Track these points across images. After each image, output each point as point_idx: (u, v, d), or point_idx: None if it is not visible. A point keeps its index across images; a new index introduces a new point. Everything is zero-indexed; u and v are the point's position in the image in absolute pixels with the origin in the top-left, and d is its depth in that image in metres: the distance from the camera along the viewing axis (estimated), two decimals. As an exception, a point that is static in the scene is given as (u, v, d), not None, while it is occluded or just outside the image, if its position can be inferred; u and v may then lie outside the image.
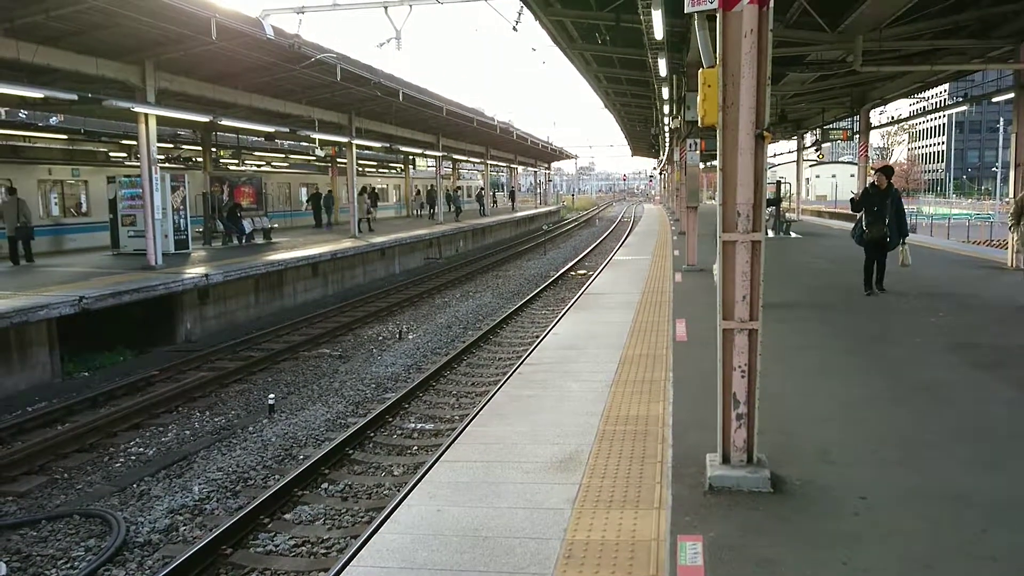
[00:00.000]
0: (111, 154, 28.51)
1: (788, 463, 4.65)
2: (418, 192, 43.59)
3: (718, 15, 4.15)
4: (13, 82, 13.41)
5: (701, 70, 4.33)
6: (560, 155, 63.77)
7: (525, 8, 14.58)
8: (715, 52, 4.21)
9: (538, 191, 72.79)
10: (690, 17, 4.46)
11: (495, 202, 51.05)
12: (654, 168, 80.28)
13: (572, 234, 44.71)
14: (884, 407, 5.95)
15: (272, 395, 10.22)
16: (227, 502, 7.05)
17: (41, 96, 14.42)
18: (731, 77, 4.13)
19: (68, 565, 5.97)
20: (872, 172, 12.02)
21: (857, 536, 3.81)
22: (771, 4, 4.08)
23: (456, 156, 40.49)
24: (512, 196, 58.50)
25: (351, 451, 8.17)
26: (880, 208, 10.74)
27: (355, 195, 25.94)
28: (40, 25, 12.14)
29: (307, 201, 32.40)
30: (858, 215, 11.12)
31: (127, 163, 26.41)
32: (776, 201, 12.43)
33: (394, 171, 46.42)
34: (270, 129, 21.62)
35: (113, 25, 12.68)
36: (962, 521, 3.94)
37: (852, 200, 11.55)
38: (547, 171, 73.57)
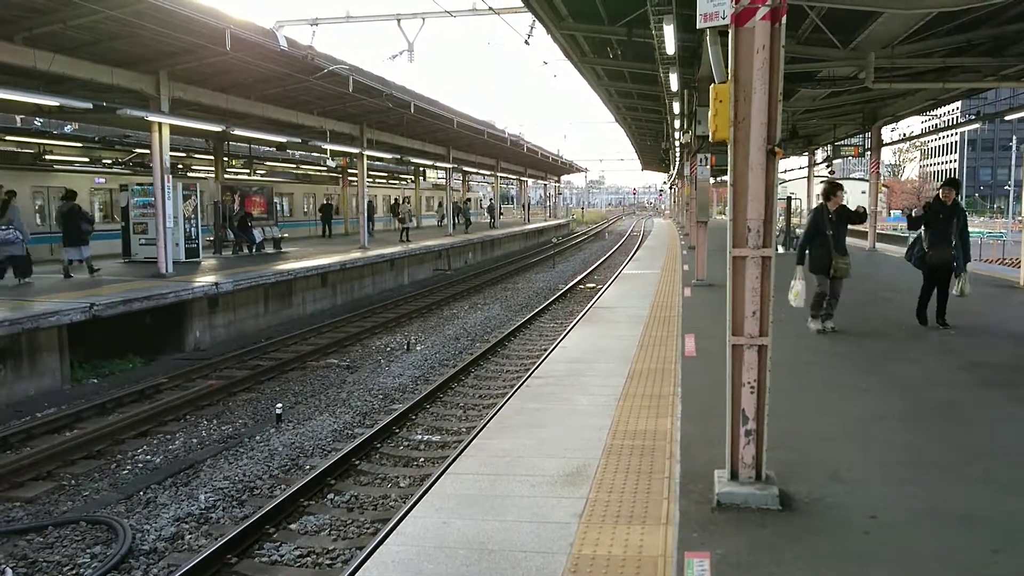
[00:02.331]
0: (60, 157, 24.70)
1: (797, 480, 4.61)
2: (440, 204, 43.89)
3: (730, 31, 4.15)
4: (30, 90, 13.55)
5: (713, 85, 4.33)
6: (570, 168, 63.84)
7: (537, 22, 14.66)
8: (727, 67, 4.21)
9: (548, 204, 72.94)
10: (702, 33, 4.46)
11: (501, 213, 51.22)
12: (664, 182, 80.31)
13: (581, 247, 44.73)
14: (894, 425, 5.90)
15: (280, 404, 10.22)
16: (233, 511, 7.05)
17: (57, 104, 14.57)
18: (743, 92, 4.13)
19: (74, 572, 5.96)
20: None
21: (867, 555, 3.77)
22: (783, 20, 4.08)
23: (466, 168, 40.63)
24: (527, 208, 58.69)
25: (357, 462, 8.16)
26: (946, 227, 9.37)
27: (364, 205, 26.06)
28: (57, 34, 12.29)
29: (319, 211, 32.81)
30: (916, 234, 9.83)
31: (58, 168, 22.82)
32: (858, 217, 10.14)
33: (400, 182, 46.67)
34: (282, 139, 21.75)
35: (129, 35, 12.82)
36: (973, 541, 3.89)
37: (910, 217, 9.95)
38: (557, 184, 73.68)
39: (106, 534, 6.55)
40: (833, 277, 9.36)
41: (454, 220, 36.66)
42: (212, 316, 15.02)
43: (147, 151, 26.86)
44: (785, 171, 46.16)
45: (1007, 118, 19.77)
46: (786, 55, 4.09)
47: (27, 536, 6.57)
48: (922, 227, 9.59)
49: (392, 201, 38.60)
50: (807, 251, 9.34)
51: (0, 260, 13.93)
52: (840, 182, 10.36)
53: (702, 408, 6.26)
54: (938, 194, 9.65)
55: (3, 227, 13.82)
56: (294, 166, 37.46)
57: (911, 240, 10.09)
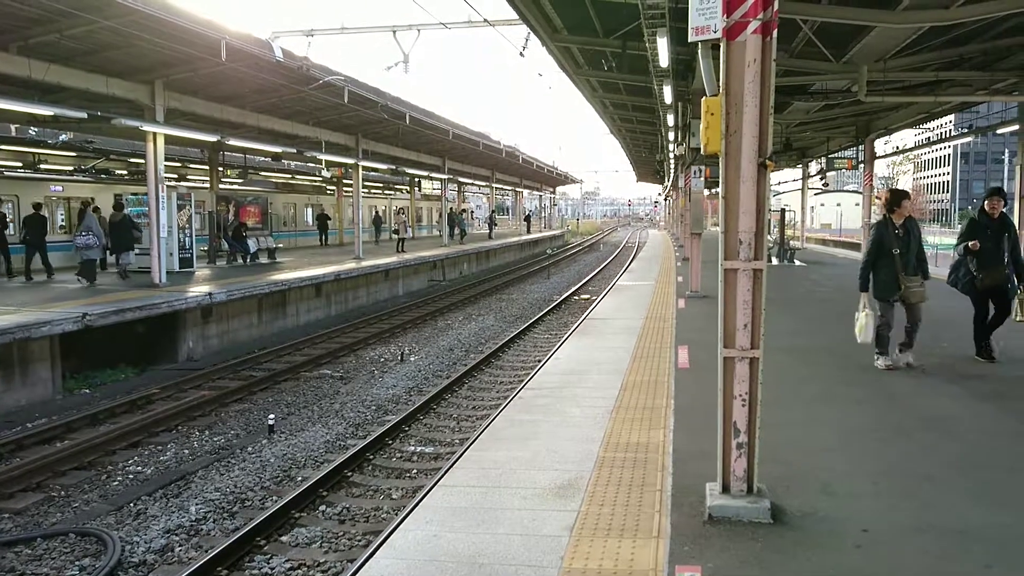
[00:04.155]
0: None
1: (789, 494, 4.60)
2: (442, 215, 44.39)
3: (722, 44, 4.17)
4: (24, 99, 13.54)
5: (704, 98, 4.34)
6: (565, 179, 63.97)
7: (532, 34, 14.73)
8: (718, 81, 4.23)
9: (543, 215, 73.10)
10: (695, 45, 4.48)
11: (496, 224, 51.34)
12: (659, 194, 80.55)
13: (576, 258, 44.76)
14: (887, 438, 5.89)
15: (272, 415, 10.19)
16: (224, 523, 7.01)
17: (51, 114, 14.56)
18: (734, 106, 4.15)
19: (61, 584, 5.92)
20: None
21: (858, 570, 3.75)
22: (774, 34, 4.10)
23: (462, 179, 40.69)
24: (528, 220, 58.61)
25: (350, 473, 8.12)
26: (997, 243, 8.08)
27: (359, 216, 26.09)
28: (53, 44, 12.29)
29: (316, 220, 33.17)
30: (959, 255, 8.38)
31: (8, 174, 21.33)
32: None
33: (394, 192, 46.77)
34: (277, 149, 21.76)
35: (125, 45, 12.82)
36: (966, 556, 3.88)
37: (967, 249, 8.19)
38: (552, 195, 73.84)
39: (95, 546, 6.50)
40: (906, 304, 8.00)
41: (451, 231, 36.88)
42: (205, 326, 14.98)
43: (115, 157, 27.02)
44: (779, 183, 46.37)
45: (999, 131, 19.89)
46: (779, 68, 4.11)
47: (15, 548, 6.52)
48: (965, 246, 8.20)
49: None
50: (871, 274, 8.00)
51: (80, 263, 15.70)
52: (906, 190, 8.88)
53: (695, 420, 6.24)
54: (982, 206, 8.34)
55: (82, 233, 15.59)
56: (288, 175, 37.53)
57: (954, 261, 8.62)
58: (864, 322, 7.69)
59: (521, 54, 16.60)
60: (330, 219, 33.84)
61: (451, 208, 42.25)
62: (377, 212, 38.94)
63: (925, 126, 29.37)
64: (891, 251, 7.80)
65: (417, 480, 7.96)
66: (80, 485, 8.07)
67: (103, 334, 12.24)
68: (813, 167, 33.83)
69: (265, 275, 18.37)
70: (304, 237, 32.64)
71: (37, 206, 17.44)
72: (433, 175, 35.39)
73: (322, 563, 6.14)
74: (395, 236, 30.16)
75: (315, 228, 33.38)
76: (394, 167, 29.52)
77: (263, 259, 22.77)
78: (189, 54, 13.45)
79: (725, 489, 4.40)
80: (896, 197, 8.05)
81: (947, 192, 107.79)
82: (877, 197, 11.44)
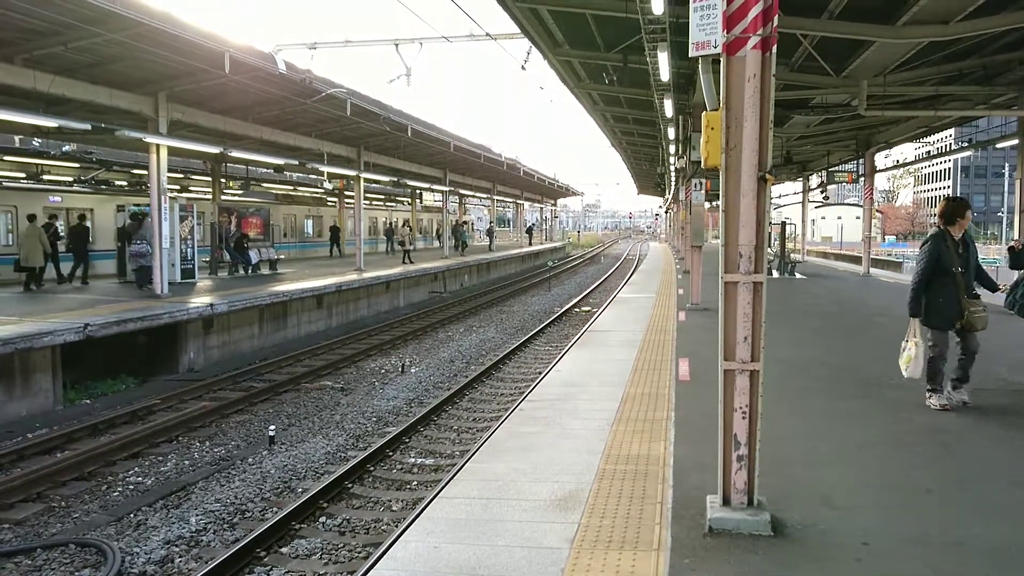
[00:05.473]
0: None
1: (789, 506, 4.60)
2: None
3: (722, 59, 4.21)
4: (30, 111, 13.62)
5: (704, 112, 4.38)
6: (566, 192, 64.10)
7: (533, 48, 14.83)
8: (719, 95, 4.26)
9: (544, 227, 73.23)
10: (695, 60, 4.53)
11: (496, 236, 51.46)
12: (660, 207, 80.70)
13: (577, 271, 44.79)
14: (886, 451, 5.89)
15: (273, 426, 10.19)
16: (224, 534, 7.00)
17: (55, 125, 14.64)
18: (734, 120, 4.18)
19: (61, 595, 5.91)
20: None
21: (858, 583, 3.75)
22: (774, 50, 4.14)
23: (463, 191, 40.83)
24: (530, 232, 58.63)
25: (350, 485, 8.12)
26: None
27: (360, 227, 26.15)
28: (57, 56, 12.38)
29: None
30: (1020, 272, 7.64)
31: (7, 185, 21.04)
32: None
33: (395, 204, 46.91)
34: (280, 161, 21.85)
35: (129, 58, 12.92)
36: (966, 568, 3.88)
37: (1011, 249, 7.64)
38: (553, 207, 73.98)
39: (95, 557, 6.50)
40: (964, 331, 6.97)
41: (456, 243, 37.06)
42: (206, 337, 15.00)
43: (117, 168, 27.11)
44: (780, 196, 46.51)
45: (999, 145, 19.96)
46: (780, 82, 4.16)
47: (15, 559, 6.52)
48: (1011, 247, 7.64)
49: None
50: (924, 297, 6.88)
51: (134, 269, 16.99)
52: (966, 200, 7.42)
53: (695, 433, 6.25)
54: None
55: (138, 241, 16.70)
56: (290, 187, 37.68)
57: (1014, 280, 7.77)
58: (913, 353, 6.74)
59: (523, 67, 16.71)
60: (340, 231, 34.23)
61: (454, 220, 42.41)
62: (390, 224, 39.94)
63: (925, 140, 29.44)
64: (951, 270, 6.72)
65: (417, 492, 7.95)
66: (80, 496, 8.07)
67: (104, 344, 12.27)
68: (814, 180, 33.94)
69: (266, 286, 18.40)
70: (305, 248, 32.77)
71: (81, 217, 19.12)
72: (435, 187, 35.51)
73: (322, 574, 6.14)
74: (400, 247, 30.41)
75: (316, 239, 33.74)
76: (396, 179, 29.63)
77: (264, 270, 22.81)
78: (193, 67, 13.55)
79: (725, 501, 4.40)
80: (959, 208, 6.92)
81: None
82: (879, 211, 11.38)
